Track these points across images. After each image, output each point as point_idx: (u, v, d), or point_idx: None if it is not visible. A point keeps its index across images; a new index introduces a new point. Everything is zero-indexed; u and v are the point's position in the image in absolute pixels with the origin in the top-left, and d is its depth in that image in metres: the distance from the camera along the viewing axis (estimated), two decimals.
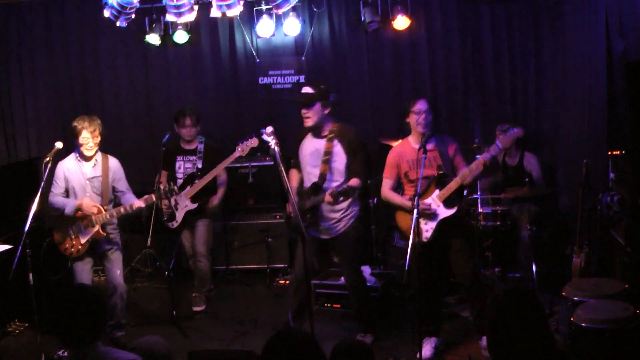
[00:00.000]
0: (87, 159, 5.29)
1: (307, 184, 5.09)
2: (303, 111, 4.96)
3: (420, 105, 4.86)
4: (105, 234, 5.26)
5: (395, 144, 6.41)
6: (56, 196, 5.24)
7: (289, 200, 4.67)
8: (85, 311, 2.87)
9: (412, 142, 4.98)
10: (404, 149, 5.01)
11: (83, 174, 5.29)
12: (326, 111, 5.00)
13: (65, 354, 4.72)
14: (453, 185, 4.78)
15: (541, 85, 6.72)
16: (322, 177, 4.96)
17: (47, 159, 5.14)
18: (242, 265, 7.10)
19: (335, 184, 4.94)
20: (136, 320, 5.96)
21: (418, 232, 4.56)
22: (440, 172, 4.82)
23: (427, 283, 4.91)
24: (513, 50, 6.77)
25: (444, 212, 4.81)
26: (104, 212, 5.21)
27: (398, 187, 5.17)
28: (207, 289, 6.33)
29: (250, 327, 5.70)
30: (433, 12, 6.91)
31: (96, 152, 5.32)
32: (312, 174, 5.02)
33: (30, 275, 4.81)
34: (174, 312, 5.83)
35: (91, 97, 7.57)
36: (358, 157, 5.04)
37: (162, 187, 5.40)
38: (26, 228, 4.81)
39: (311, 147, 5.06)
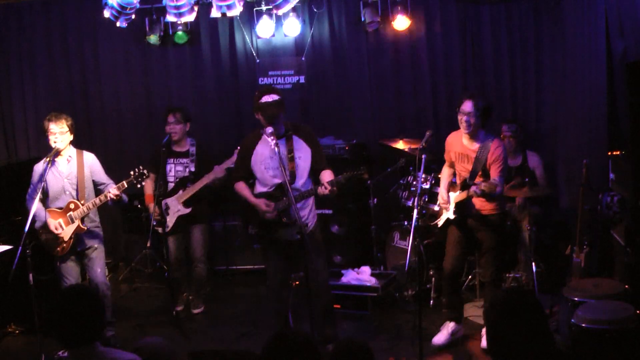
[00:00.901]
0: (58, 154, 5.24)
1: (267, 187, 4.91)
2: (274, 121, 4.73)
3: (464, 107, 4.79)
4: (86, 228, 5.23)
5: (395, 144, 6.44)
6: (33, 200, 5.11)
7: (290, 202, 4.62)
8: (83, 311, 2.87)
9: (463, 136, 4.96)
10: (454, 140, 5.04)
11: (60, 173, 5.25)
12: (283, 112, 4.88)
13: (65, 354, 4.72)
14: (461, 195, 4.87)
15: (541, 85, 6.71)
16: (293, 174, 4.81)
17: (47, 159, 5.16)
18: (242, 266, 7.10)
19: (302, 181, 4.87)
20: (136, 320, 5.96)
21: (418, 231, 4.65)
22: (466, 177, 4.88)
23: (453, 267, 5.06)
24: (513, 50, 6.76)
25: (449, 213, 4.98)
26: (80, 206, 5.19)
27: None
28: (204, 291, 6.32)
29: (251, 328, 5.70)
30: (433, 12, 6.90)
31: (67, 147, 5.26)
32: (277, 176, 4.84)
33: (30, 275, 4.82)
34: (174, 313, 5.84)
35: (91, 98, 7.56)
36: (320, 147, 5.03)
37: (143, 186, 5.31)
38: (26, 228, 4.82)
39: (271, 150, 4.83)
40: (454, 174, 5.18)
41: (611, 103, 5.60)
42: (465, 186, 4.86)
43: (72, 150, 5.33)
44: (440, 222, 5.13)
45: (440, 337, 5.01)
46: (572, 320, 4.11)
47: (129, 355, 2.99)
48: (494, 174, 4.78)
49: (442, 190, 5.13)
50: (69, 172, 5.26)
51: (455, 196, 4.95)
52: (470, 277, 5.99)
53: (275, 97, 4.76)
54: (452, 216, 4.96)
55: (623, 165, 5.38)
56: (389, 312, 5.85)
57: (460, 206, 4.91)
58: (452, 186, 5.06)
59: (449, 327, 5.07)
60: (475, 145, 4.87)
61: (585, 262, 5.19)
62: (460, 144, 4.96)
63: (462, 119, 4.80)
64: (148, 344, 3.30)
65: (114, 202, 5.23)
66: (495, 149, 4.80)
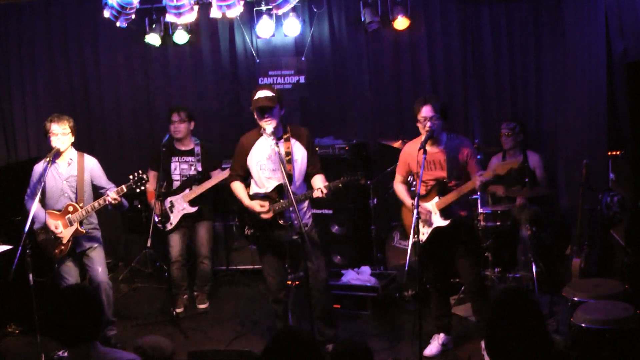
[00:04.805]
0: (59, 156, 5.23)
1: (264, 188, 4.90)
2: (266, 115, 4.73)
3: (425, 113, 4.68)
4: (84, 231, 5.22)
5: (395, 144, 6.45)
6: (32, 200, 5.11)
7: (289, 203, 4.61)
8: (82, 311, 2.88)
9: (426, 143, 4.75)
10: (413, 149, 4.83)
11: (59, 174, 5.23)
12: (282, 112, 4.85)
13: (65, 354, 4.72)
14: (450, 197, 4.70)
15: (541, 85, 6.71)
16: (290, 176, 4.79)
17: (47, 159, 5.15)
18: (242, 266, 7.10)
19: (298, 184, 4.88)
20: (136, 320, 5.96)
21: (418, 231, 4.56)
22: (443, 178, 4.76)
23: (436, 280, 4.97)
24: (513, 50, 6.76)
25: (438, 221, 4.79)
26: (79, 209, 5.18)
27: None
28: (208, 288, 6.33)
29: (251, 328, 5.70)
30: (433, 12, 6.90)
31: (68, 148, 5.24)
32: (272, 178, 4.83)
33: (30, 275, 4.81)
34: (175, 312, 5.84)
35: (91, 98, 7.57)
36: (315, 152, 5.03)
37: (148, 186, 5.30)
38: (26, 228, 4.81)
39: (269, 151, 4.83)
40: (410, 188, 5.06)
41: (611, 103, 5.60)
42: (443, 189, 4.73)
43: (74, 153, 5.31)
44: (425, 235, 4.83)
45: (431, 349, 4.95)
46: (572, 320, 4.11)
47: (130, 355, 2.99)
48: (475, 168, 4.70)
49: (407, 200, 4.89)
50: (69, 175, 5.25)
51: (437, 202, 4.75)
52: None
53: (268, 92, 4.76)
54: (443, 223, 4.75)
55: (623, 165, 5.39)
56: (389, 312, 5.84)
57: (445, 211, 4.77)
58: (420, 197, 4.74)
59: (439, 339, 5.01)
60: (441, 147, 4.77)
61: (585, 262, 5.19)
62: (426, 152, 4.64)
63: (425, 125, 4.68)
64: (148, 340, 3.35)
65: (114, 206, 5.20)
66: (465, 148, 4.75)
